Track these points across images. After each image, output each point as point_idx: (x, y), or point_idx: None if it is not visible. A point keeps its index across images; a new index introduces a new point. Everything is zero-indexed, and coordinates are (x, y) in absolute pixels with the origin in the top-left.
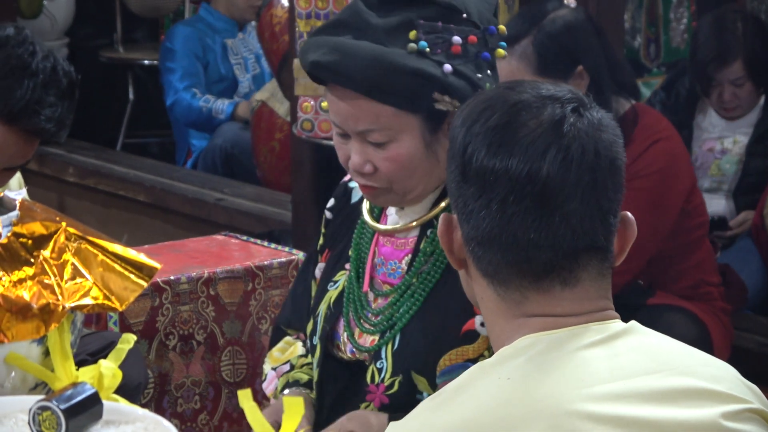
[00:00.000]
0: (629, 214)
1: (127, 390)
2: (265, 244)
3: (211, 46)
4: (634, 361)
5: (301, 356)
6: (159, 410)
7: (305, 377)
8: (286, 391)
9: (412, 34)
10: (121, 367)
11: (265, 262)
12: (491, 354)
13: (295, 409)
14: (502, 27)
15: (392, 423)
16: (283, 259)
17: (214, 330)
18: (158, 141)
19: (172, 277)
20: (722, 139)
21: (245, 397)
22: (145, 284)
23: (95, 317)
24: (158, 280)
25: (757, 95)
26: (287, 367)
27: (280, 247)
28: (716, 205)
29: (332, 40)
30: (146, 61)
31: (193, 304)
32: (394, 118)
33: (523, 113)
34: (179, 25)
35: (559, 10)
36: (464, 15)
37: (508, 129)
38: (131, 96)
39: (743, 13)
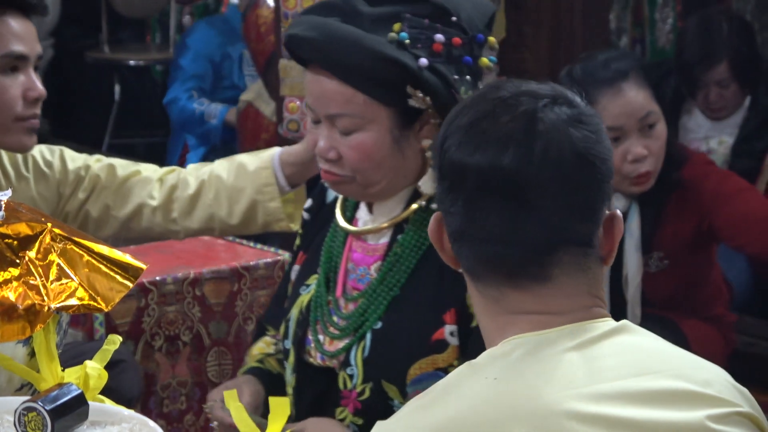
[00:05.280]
0: (618, 212)
1: (121, 403)
2: (251, 244)
3: (230, 53)
4: (622, 363)
5: (263, 353)
6: (145, 411)
7: (275, 369)
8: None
9: (397, 25)
10: (118, 379)
11: (252, 263)
12: (460, 363)
13: (280, 410)
14: (492, 39)
15: (379, 422)
16: (270, 260)
17: (200, 330)
18: (144, 142)
19: (158, 278)
20: (708, 140)
21: (231, 398)
22: (130, 285)
23: (82, 318)
24: (144, 280)
25: (742, 96)
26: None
27: (266, 248)
28: None
29: (316, 19)
30: (132, 62)
31: (179, 305)
32: (365, 106)
33: (497, 109)
34: (203, 23)
35: None
36: (453, 18)
37: (480, 124)
38: (117, 97)
39: (729, 13)
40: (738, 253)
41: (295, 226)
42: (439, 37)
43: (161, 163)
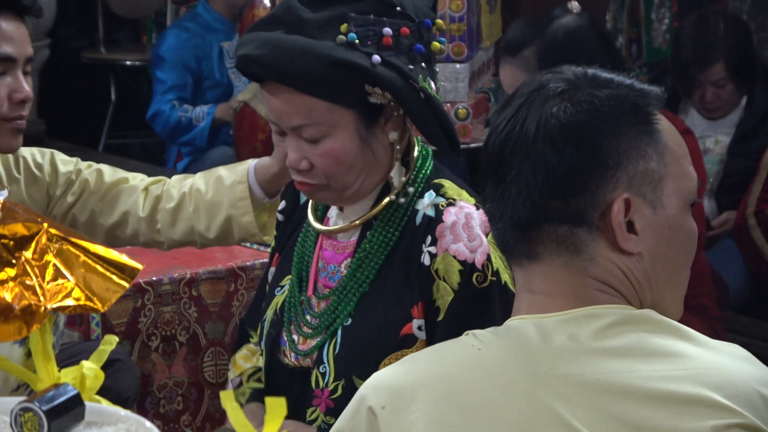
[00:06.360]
0: (624, 196)
1: (117, 402)
2: (248, 244)
3: (207, 51)
4: (630, 358)
5: (255, 368)
6: (141, 411)
7: (260, 385)
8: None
9: (343, 27)
10: (114, 378)
11: (248, 263)
12: None
13: (277, 410)
14: (439, 21)
15: (374, 374)
16: (266, 260)
17: (196, 331)
18: (140, 142)
19: (154, 278)
20: (704, 139)
21: (228, 398)
22: (127, 285)
23: (78, 318)
24: (140, 281)
25: (738, 96)
26: (239, 380)
27: (262, 248)
28: None
29: (263, 35)
30: (128, 62)
31: (176, 305)
32: (327, 112)
33: (521, 89)
34: (172, 29)
35: (562, 17)
36: (398, 8)
37: (505, 105)
38: (113, 97)
39: (725, 13)
40: (734, 254)
41: (269, 238)
42: (387, 30)
43: (158, 164)
